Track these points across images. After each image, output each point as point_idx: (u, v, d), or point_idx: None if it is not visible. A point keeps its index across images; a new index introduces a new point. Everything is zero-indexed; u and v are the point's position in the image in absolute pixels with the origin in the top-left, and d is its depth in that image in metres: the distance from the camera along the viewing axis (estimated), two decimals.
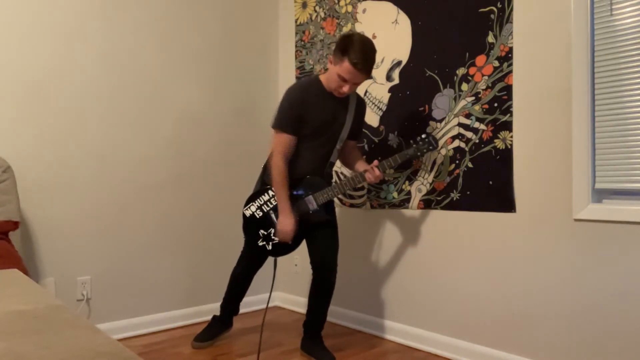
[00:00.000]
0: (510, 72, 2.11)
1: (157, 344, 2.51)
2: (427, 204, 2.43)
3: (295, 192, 2.24)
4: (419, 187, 2.46)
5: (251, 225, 2.26)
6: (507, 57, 2.12)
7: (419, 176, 2.46)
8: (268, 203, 2.24)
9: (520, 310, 2.08)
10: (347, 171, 2.83)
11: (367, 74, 2.11)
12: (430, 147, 2.20)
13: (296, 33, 3.19)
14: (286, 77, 3.26)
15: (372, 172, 2.17)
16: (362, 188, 2.74)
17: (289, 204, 2.18)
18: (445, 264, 2.36)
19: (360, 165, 2.34)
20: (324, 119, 2.22)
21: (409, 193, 2.51)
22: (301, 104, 2.18)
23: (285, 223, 2.17)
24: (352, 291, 2.81)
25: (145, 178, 2.72)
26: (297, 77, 3.18)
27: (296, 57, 3.18)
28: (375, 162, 2.20)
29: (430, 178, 2.41)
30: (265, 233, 2.24)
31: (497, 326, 2.16)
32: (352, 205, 2.81)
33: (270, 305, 3.27)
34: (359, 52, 2.05)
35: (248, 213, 2.26)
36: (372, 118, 2.69)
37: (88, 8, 2.52)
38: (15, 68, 2.31)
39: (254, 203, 2.26)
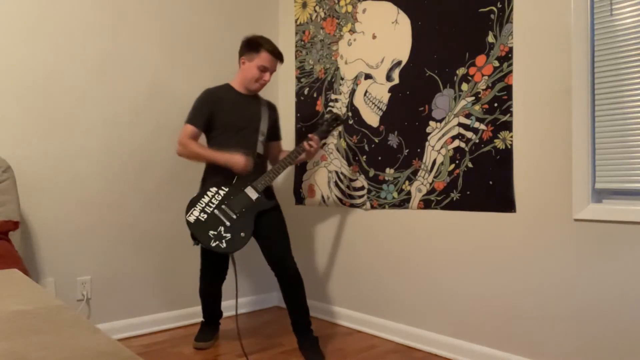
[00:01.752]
0: (510, 72, 2.11)
1: (157, 344, 2.51)
2: (427, 204, 2.43)
3: (229, 188, 2.29)
4: (419, 187, 2.46)
5: (199, 229, 2.24)
6: (507, 57, 2.12)
7: (419, 176, 2.46)
8: (210, 203, 2.27)
9: (520, 310, 2.08)
10: (346, 171, 2.84)
11: (281, 60, 2.45)
12: (338, 121, 2.48)
13: (296, 33, 3.19)
14: (286, 77, 3.26)
15: (309, 140, 2.36)
16: (362, 188, 2.74)
17: (222, 152, 2.31)
18: (445, 264, 2.36)
19: (286, 153, 2.49)
20: (238, 113, 2.41)
21: (409, 193, 2.51)
22: (211, 101, 2.39)
23: (234, 158, 2.27)
24: (351, 291, 2.81)
25: (146, 178, 2.72)
26: (296, 77, 3.18)
27: (296, 57, 3.18)
28: (310, 134, 2.41)
29: (430, 178, 2.41)
30: (216, 232, 2.24)
31: (497, 326, 2.16)
32: (352, 205, 2.81)
33: (269, 305, 3.27)
34: (270, 43, 2.40)
35: (192, 219, 2.25)
36: (372, 118, 2.70)
37: (88, 9, 2.52)
38: (15, 68, 2.31)
39: (195, 208, 2.26)
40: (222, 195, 2.28)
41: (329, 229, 2.96)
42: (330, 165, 2.94)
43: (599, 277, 1.85)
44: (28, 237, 2.35)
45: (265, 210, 2.33)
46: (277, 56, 2.41)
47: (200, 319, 2.88)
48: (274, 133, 2.56)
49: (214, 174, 2.36)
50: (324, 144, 2.94)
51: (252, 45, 2.39)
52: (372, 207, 2.70)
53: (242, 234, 2.25)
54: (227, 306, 2.88)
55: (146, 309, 2.71)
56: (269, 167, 2.50)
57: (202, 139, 2.45)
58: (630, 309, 1.77)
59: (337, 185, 2.90)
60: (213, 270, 2.48)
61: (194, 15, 2.92)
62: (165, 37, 2.80)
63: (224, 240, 2.24)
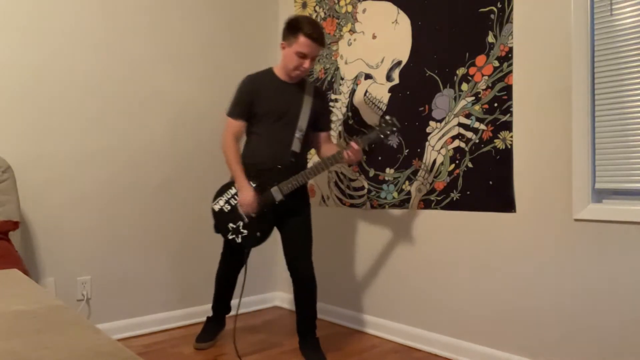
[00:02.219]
0: (510, 72, 2.11)
1: (157, 344, 2.51)
2: (427, 204, 2.43)
3: (257, 183, 2.24)
4: (419, 187, 2.46)
5: (220, 219, 2.27)
6: (507, 57, 2.12)
7: (419, 176, 2.46)
8: (235, 196, 2.26)
9: (520, 310, 2.08)
10: (347, 171, 2.83)
11: (322, 44, 2.22)
12: (394, 129, 2.17)
13: None
14: None
15: (351, 148, 2.13)
16: (362, 188, 2.74)
17: (244, 178, 2.23)
18: (445, 264, 2.35)
19: (330, 150, 2.35)
20: (277, 105, 2.27)
21: (409, 193, 2.51)
22: (252, 91, 2.28)
23: (244, 195, 2.19)
24: (351, 291, 2.81)
25: (146, 178, 2.72)
26: None
27: None
28: (355, 137, 2.19)
29: (430, 178, 2.41)
30: (234, 226, 2.24)
31: (497, 326, 2.16)
32: (352, 205, 2.81)
33: (269, 305, 3.27)
34: (310, 25, 2.18)
35: (217, 207, 2.27)
36: (372, 118, 2.69)
37: (87, 8, 2.52)
38: (15, 68, 2.31)
39: (221, 197, 2.27)
40: None
41: (329, 229, 2.96)
42: None
43: (599, 277, 1.85)
44: (28, 237, 2.35)
45: (290, 213, 2.28)
46: (317, 40, 2.17)
47: (203, 318, 2.88)
48: (319, 123, 2.38)
49: (249, 163, 2.29)
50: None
51: (292, 27, 2.20)
52: (372, 207, 2.70)
53: (258, 233, 2.24)
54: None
55: (146, 309, 2.71)
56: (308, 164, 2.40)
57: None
58: (631, 308, 1.77)
59: (337, 185, 2.90)
60: (233, 256, 2.45)
61: (193, 15, 2.92)
62: (165, 36, 2.80)
63: (240, 236, 2.24)
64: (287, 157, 2.27)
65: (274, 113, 2.27)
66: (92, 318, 2.53)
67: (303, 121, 2.29)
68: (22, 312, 0.75)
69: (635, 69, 1.77)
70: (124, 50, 2.64)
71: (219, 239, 3.00)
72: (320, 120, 2.38)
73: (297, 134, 2.28)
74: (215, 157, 3.00)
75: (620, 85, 1.81)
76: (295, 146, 2.28)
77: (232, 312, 2.93)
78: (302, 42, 2.16)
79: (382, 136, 2.18)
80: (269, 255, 3.23)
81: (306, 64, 2.20)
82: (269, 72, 2.34)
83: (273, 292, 3.30)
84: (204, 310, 2.92)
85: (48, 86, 2.40)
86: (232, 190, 2.27)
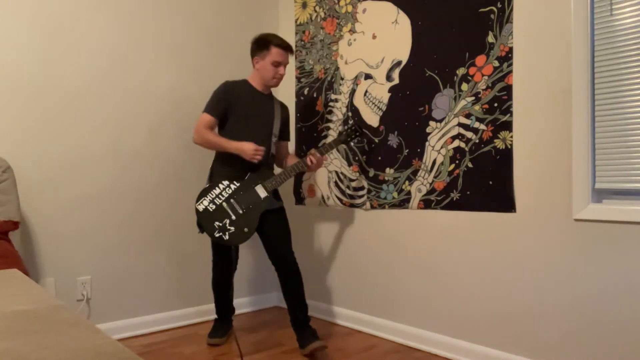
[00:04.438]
0: (510, 72, 2.11)
1: (157, 344, 2.51)
2: (427, 204, 2.43)
3: (240, 184, 2.36)
4: (419, 187, 2.46)
5: (206, 219, 2.32)
6: (507, 57, 2.12)
7: (419, 176, 2.46)
8: (220, 196, 2.34)
9: (520, 310, 2.08)
10: (347, 171, 2.83)
11: (291, 51, 2.48)
12: (357, 133, 2.54)
13: (296, 33, 3.19)
14: (286, 77, 3.26)
15: (313, 155, 2.40)
16: (362, 188, 2.74)
17: (231, 141, 2.34)
18: (445, 264, 2.35)
19: (292, 160, 2.57)
20: (255, 109, 2.46)
21: (409, 193, 2.51)
22: (228, 92, 2.43)
23: (245, 146, 2.30)
24: (351, 291, 2.81)
25: (146, 178, 2.72)
26: (296, 77, 3.18)
27: (296, 57, 3.18)
28: (313, 149, 2.44)
29: (430, 178, 2.41)
30: (221, 224, 2.31)
31: (497, 326, 2.16)
32: (352, 205, 2.81)
33: (269, 305, 3.27)
34: (277, 37, 2.45)
35: (201, 207, 2.33)
36: (372, 118, 2.70)
37: (87, 10, 2.52)
38: (15, 68, 2.31)
39: (205, 198, 2.34)
40: (233, 189, 2.35)
41: (329, 229, 2.96)
42: (330, 165, 2.94)
43: (599, 277, 1.85)
44: (28, 237, 2.35)
45: (271, 210, 2.39)
46: (287, 49, 2.46)
47: (203, 318, 2.89)
48: (283, 133, 2.62)
49: (221, 167, 2.43)
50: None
51: (262, 43, 2.44)
52: (372, 207, 2.70)
53: (245, 229, 2.32)
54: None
55: (146, 309, 2.71)
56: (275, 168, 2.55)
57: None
58: (630, 308, 1.77)
59: (337, 185, 2.90)
60: (223, 261, 2.51)
61: (193, 15, 2.92)
62: (164, 36, 2.80)
63: (227, 233, 2.30)
64: (266, 157, 2.43)
65: (252, 116, 2.45)
66: (92, 318, 2.53)
67: (276, 127, 2.51)
68: (22, 312, 0.75)
69: (635, 69, 1.77)
70: (124, 52, 2.64)
71: None
72: (284, 131, 2.62)
73: (273, 139, 2.50)
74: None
75: (620, 85, 1.81)
76: (272, 149, 2.50)
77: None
78: (274, 52, 2.41)
79: (344, 143, 2.52)
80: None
81: (281, 70, 2.45)
82: (245, 83, 2.52)
83: (273, 292, 3.30)
84: (204, 310, 2.93)
85: (48, 86, 2.40)
86: (217, 191, 2.34)
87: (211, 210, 2.32)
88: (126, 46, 2.65)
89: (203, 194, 2.34)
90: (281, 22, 3.32)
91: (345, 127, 2.43)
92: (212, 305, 2.93)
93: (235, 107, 2.43)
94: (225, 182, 2.35)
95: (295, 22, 3.19)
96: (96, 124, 2.55)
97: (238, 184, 2.36)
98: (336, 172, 2.91)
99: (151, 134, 2.74)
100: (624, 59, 1.80)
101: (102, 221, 2.56)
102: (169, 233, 2.81)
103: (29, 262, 2.33)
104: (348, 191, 2.83)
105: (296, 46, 3.19)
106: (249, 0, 3.18)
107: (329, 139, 2.89)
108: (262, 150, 2.33)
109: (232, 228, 2.31)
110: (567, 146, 1.94)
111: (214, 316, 2.67)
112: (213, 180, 2.41)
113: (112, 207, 2.60)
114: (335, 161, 2.90)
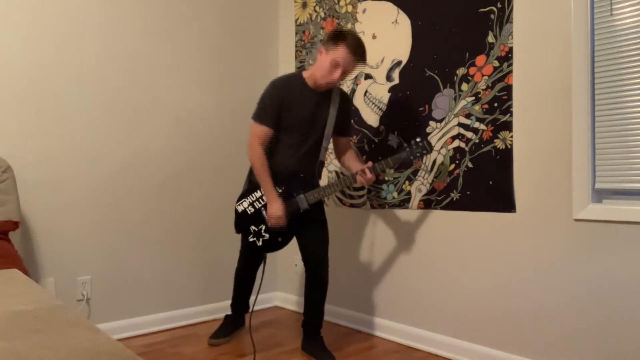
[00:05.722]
0: (510, 72, 2.11)
1: (157, 344, 2.51)
2: (427, 204, 2.43)
3: (283, 189, 2.24)
4: (419, 187, 2.46)
5: (243, 221, 2.28)
6: (507, 57, 2.12)
7: (419, 176, 2.46)
8: (260, 200, 2.26)
9: (520, 310, 2.08)
10: (347, 171, 2.83)
11: (360, 61, 2.18)
12: (424, 152, 2.16)
13: (296, 33, 3.19)
14: None
15: (363, 175, 2.15)
16: (362, 188, 2.74)
17: (274, 190, 2.20)
18: (445, 264, 2.35)
19: (355, 165, 2.31)
20: (304, 116, 2.24)
21: (409, 193, 2.51)
22: (281, 101, 2.20)
23: (275, 207, 2.17)
24: (352, 291, 2.81)
25: (146, 178, 2.72)
26: None
27: (296, 57, 3.18)
28: (370, 163, 2.18)
29: (430, 178, 2.41)
30: (256, 229, 2.25)
31: (497, 326, 2.16)
32: (352, 205, 2.81)
33: (269, 305, 3.27)
34: (355, 38, 2.16)
35: (240, 209, 2.28)
36: (372, 118, 2.69)
37: (90, 9, 2.52)
38: (15, 68, 2.31)
39: (246, 199, 2.28)
40: None
41: (328, 228, 2.95)
42: (330, 165, 2.94)
43: (599, 276, 1.85)
44: (28, 237, 2.35)
45: (310, 221, 2.30)
46: (357, 55, 2.15)
47: (203, 318, 2.89)
48: (341, 128, 2.37)
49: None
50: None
51: (336, 35, 2.16)
52: (372, 207, 2.70)
53: (279, 238, 2.25)
54: None
55: (146, 309, 2.71)
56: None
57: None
58: (630, 308, 1.77)
59: None
60: (251, 255, 2.47)
61: (192, 15, 2.92)
62: (164, 36, 2.80)
63: (261, 239, 2.25)
64: (314, 167, 2.31)
65: (303, 125, 2.25)
66: (92, 318, 2.53)
67: (329, 129, 2.30)
68: (22, 312, 0.75)
69: (635, 69, 1.77)
70: (126, 50, 2.64)
71: (219, 240, 3.00)
72: (342, 126, 2.37)
73: (324, 144, 2.31)
74: (217, 160, 3.01)
75: (620, 85, 1.81)
76: (322, 156, 2.34)
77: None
78: (340, 51, 2.12)
79: (411, 157, 2.16)
80: (269, 256, 3.23)
81: (337, 73, 2.14)
82: (298, 78, 2.27)
83: (273, 292, 3.30)
84: (204, 310, 2.92)
85: (48, 86, 2.40)
86: (257, 194, 2.26)
87: (249, 213, 2.25)
88: (125, 46, 2.65)
89: (244, 195, 2.28)
90: (281, 22, 3.32)
91: (412, 143, 2.14)
92: (213, 305, 2.94)
93: (288, 115, 2.22)
94: None
95: (295, 22, 3.19)
96: (96, 124, 2.55)
97: (280, 190, 2.23)
98: (336, 172, 2.91)
99: (152, 135, 2.74)
100: (624, 59, 1.80)
101: (102, 221, 2.56)
102: (170, 233, 2.81)
103: (29, 262, 2.33)
104: (348, 191, 2.83)
105: (296, 46, 3.19)
106: (249, 1, 3.18)
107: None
108: (284, 222, 2.18)
109: (267, 235, 2.24)
110: (567, 146, 1.94)
111: (214, 316, 2.67)
112: (252, 182, 2.30)
113: (112, 207, 2.60)
114: (335, 161, 2.90)
